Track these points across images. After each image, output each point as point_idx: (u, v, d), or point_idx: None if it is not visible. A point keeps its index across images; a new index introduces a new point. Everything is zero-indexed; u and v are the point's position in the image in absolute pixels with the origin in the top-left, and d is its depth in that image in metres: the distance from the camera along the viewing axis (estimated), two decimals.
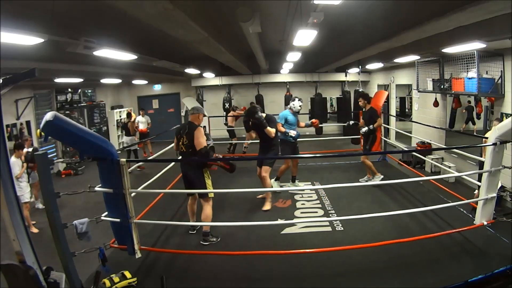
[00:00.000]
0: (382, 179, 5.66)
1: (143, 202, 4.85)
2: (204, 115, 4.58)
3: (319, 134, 10.12)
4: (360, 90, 9.09)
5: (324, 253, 3.60)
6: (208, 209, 4.00)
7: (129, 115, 9.31)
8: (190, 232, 4.33)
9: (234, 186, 5.93)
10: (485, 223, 3.62)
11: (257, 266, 3.53)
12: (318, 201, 5.29)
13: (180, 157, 4.40)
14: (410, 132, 8.34)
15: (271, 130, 4.91)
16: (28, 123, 8.23)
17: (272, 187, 5.13)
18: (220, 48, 5.14)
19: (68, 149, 9.23)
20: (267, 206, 5.03)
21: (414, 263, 3.47)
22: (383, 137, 7.66)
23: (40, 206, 6.07)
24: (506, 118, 4.82)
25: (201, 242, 4.03)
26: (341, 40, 6.90)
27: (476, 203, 3.79)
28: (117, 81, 10.17)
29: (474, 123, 6.90)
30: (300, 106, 5.69)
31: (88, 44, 4.00)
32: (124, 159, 3.22)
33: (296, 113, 5.70)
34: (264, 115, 5.04)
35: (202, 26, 3.71)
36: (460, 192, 4.90)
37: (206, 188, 3.99)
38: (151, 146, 9.76)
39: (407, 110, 10.65)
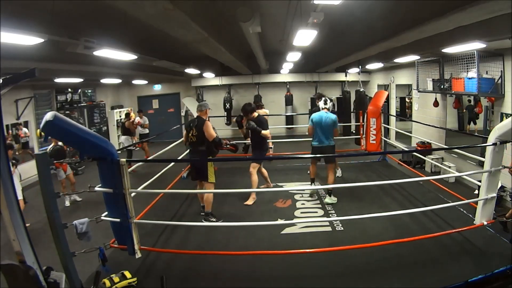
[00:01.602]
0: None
1: (143, 202, 4.85)
2: (209, 109, 4.99)
3: None
4: (362, 90, 9.10)
5: (324, 253, 3.60)
6: (209, 193, 4.60)
7: (127, 115, 9.24)
8: (201, 214, 4.78)
9: (235, 186, 5.93)
10: (485, 223, 3.62)
11: (257, 266, 3.53)
12: (318, 201, 5.29)
13: (189, 147, 4.97)
14: (410, 132, 8.34)
15: (266, 133, 5.17)
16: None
17: (257, 182, 5.31)
18: (220, 48, 5.14)
19: (68, 149, 9.21)
20: (250, 201, 5.25)
21: (414, 263, 3.47)
22: (383, 137, 7.66)
23: (77, 198, 6.25)
24: (506, 118, 4.82)
25: (202, 220, 4.55)
26: (341, 40, 6.90)
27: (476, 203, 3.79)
28: (117, 81, 10.17)
29: (475, 123, 6.92)
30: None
31: (88, 44, 4.00)
32: (124, 159, 3.22)
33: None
34: (256, 114, 5.22)
35: (202, 26, 3.72)
36: (460, 192, 4.90)
37: (209, 174, 4.54)
38: (148, 149, 9.05)
39: (407, 110, 10.64)
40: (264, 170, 5.64)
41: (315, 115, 5.22)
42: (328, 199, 5.18)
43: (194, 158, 4.98)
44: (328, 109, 5.21)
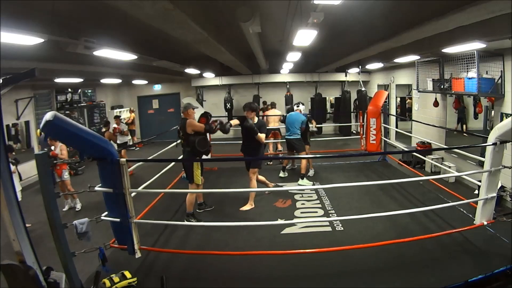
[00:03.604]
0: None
1: (143, 202, 4.85)
2: (194, 108, 4.81)
3: (318, 134, 10.11)
4: (363, 90, 9.11)
5: (324, 253, 3.59)
6: (190, 194, 4.67)
7: (107, 123, 8.48)
8: (197, 210, 4.95)
9: (234, 186, 5.93)
10: (485, 223, 3.62)
11: (257, 266, 3.53)
12: (318, 201, 5.29)
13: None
14: (410, 132, 8.34)
15: (262, 136, 5.00)
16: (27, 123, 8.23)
17: (256, 187, 5.18)
18: (220, 48, 5.14)
19: (68, 149, 9.20)
20: (247, 207, 5.08)
21: (414, 263, 3.47)
22: (383, 137, 7.66)
23: (78, 206, 5.91)
24: (506, 118, 4.81)
25: (185, 219, 4.60)
26: (341, 40, 6.90)
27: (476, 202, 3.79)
28: (117, 81, 10.17)
29: (465, 123, 7.01)
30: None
31: (88, 44, 4.01)
32: (124, 159, 3.22)
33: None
34: (256, 119, 5.10)
35: (202, 26, 3.72)
36: (460, 192, 4.90)
37: (195, 175, 4.61)
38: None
39: (407, 114, 10.64)
40: (260, 177, 5.38)
41: (288, 114, 6.54)
42: (300, 181, 5.94)
43: (183, 160, 5.04)
44: (300, 111, 6.47)
